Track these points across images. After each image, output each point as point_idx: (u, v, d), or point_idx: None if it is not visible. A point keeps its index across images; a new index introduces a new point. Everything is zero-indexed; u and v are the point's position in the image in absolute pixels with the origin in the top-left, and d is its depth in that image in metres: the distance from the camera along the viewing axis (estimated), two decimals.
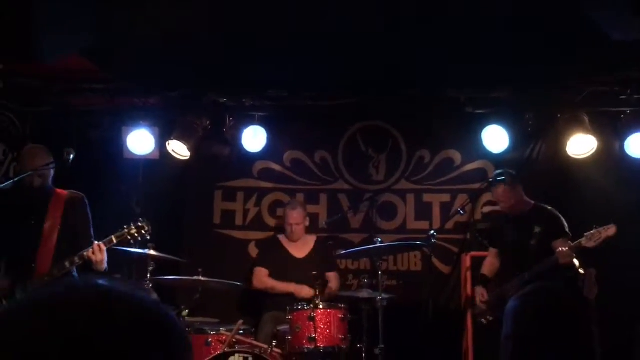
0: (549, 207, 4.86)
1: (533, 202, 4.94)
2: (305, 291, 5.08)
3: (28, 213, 3.97)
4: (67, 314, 0.74)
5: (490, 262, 5.09)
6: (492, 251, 5.13)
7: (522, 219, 4.83)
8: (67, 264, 3.79)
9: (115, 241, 3.93)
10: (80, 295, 0.78)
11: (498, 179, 4.87)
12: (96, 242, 3.83)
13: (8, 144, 5.30)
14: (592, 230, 4.38)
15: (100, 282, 0.81)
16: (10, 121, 5.33)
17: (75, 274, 3.89)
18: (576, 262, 4.44)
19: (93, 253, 3.77)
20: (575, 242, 4.42)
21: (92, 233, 4.05)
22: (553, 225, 4.73)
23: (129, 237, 3.97)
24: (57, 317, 0.74)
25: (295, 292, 5.15)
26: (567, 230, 4.67)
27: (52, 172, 4.03)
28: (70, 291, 0.79)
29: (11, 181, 3.94)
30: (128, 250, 4.30)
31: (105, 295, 0.78)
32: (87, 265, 3.83)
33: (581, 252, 4.78)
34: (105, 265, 3.85)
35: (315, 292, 4.58)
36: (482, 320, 4.84)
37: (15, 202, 3.98)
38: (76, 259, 3.80)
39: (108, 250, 3.90)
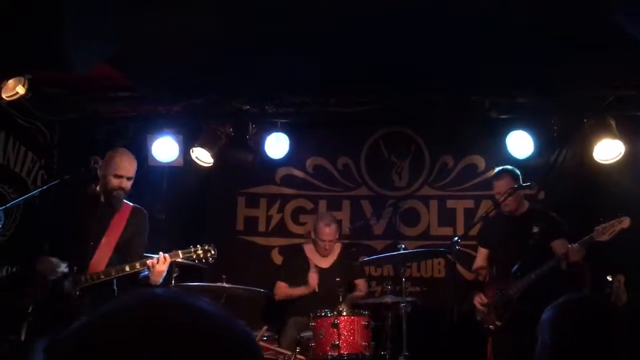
0: (546, 208, 4.93)
1: (528, 203, 4.96)
2: (312, 278, 5.10)
3: (96, 213, 3.97)
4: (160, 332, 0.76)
5: (481, 266, 5.08)
6: (482, 252, 5.09)
7: (520, 220, 4.83)
8: (127, 267, 3.78)
9: (181, 256, 3.92)
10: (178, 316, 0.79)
11: (524, 184, 4.83)
12: (162, 253, 3.80)
13: (36, 152, 5.39)
14: (602, 223, 4.29)
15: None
16: (38, 130, 5.42)
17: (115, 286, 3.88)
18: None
19: (157, 262, 3.76)
20: (586, 237, 4.35)
21: (143, 252, 4.06)
22: (552, 226, 4.74)
23: (194, 257, 3.96)
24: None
25: (307, 289, 5.15)
26: (566, 231, 4.67)
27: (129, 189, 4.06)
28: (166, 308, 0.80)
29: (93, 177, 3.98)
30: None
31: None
32: (135, 275, 3.82)
33: (607, 258, 4.72)
34: (161, 279, 3.83)
35: (339, 299, 4.56)
36: (490, 326, 4.78)
37: (87, 202, 4.02)
38: (137, 265, 3.80)
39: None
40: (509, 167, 4.97)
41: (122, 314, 0.79)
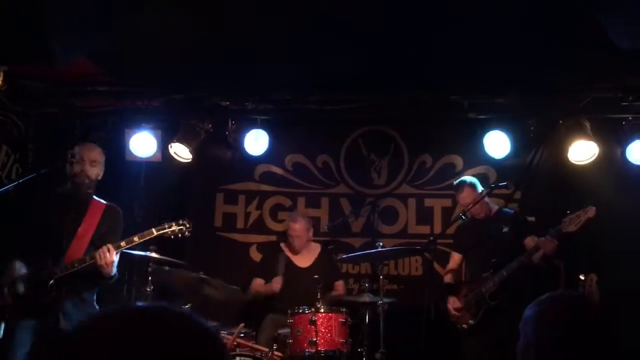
0: (512, 210, 5.15)
1: (497, 206, 5.15)
2: (275, 281, 5.12)
3: (67, 212, 3.89)
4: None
5: (453, 270, 5.18)
6: (455, 257, 5.19)
7: (489, 221, 4.97)
8: (76, 264, 3.72)
9: (155, 234, 3.87)
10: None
11: (500, 184, 4.92)
12: (105, 246, 3.73)
13: (10, 146, 5.30)
14: (569, 215, 4.40)
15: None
16: (13, 123, 5.33)
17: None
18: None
19: (101, 255, 3.68)
20: (555, 229, 4.45)
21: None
22: (519, 225, 4.91)
23: (169, 233, 3.91)
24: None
25: (269, 288, 5.18)
26: (535, 228, 4.86)
27: (100, 174, 4.00)
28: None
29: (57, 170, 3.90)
30: (129, 252, 4.29)
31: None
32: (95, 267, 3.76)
33: (580, 257, 4.82)
34: (112, 269, 3.75)
35: (317, 296, 4.57)
36: (463, 325, 4.85)
37: (58, 197, 3.95)
38: (87, 259, 3.74)
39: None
40: (466, 178, 5.14)
41: (100, 326, 0.83)
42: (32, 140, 5.45)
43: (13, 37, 3.52)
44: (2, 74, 4.53)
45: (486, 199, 4.96)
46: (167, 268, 4.58)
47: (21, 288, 3.66)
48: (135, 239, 3.80)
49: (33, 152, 5.46)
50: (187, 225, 3.94)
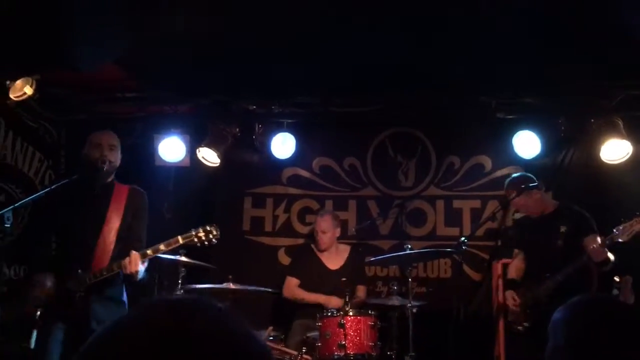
0: (575, 206, 4.79)
1: (557, 202, 4.92)
2: (334, 302, 5.06)
3: (89, 206, 3.85)
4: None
5: (517, 266, 5.04)
6: (518, 254, 5.08)
7: (548, 220, 4.79)
8: (104, 272, 3.69)
9: (181, 242, 3.76)
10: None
11: (531, 185, 4.80)
12: (133, 252, 3.67)
13: (44, 152, 5.42)
14: (621, 224, 4.25)
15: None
16: (46, 130, 5.45)
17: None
18: (611, 256, 4.32)
19: (129, 262, 3.62)
20: (607, 237, 4.30)
21: (144, 235, 3.95)
22: (579, 224, 4.66)
23: (196, 240, 3.78)
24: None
25: (324, 302, 5.12)
26: (595, 227, 4.57)
27: (118, 160, 3.92)
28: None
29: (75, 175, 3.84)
30: (159, 256, 4.33)
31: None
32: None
33: (615, 259, 4.68)
34: (140, 276, 3.69)
35: (345, 299, 4.57)
36: (519, 327, 4.73)
37: (81, 193, 3.87)
38: (114, 267, 3.69)
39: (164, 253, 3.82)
40: (514, 175, 4.98)
41: (142, 321, 0.80)
42: (64, 147, 5.56)
43: (42, 45, 3.60)
44: (34, 82, 4.64)
45: (542, 196, 4.85)
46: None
47: (50, 299, 3.64)
48: (162, 247, 3.74)
49: (65, 158, 5.58)
50: (215, 232, 3.81)
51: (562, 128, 5.39)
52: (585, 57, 4.46)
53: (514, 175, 5.01)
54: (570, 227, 4.62)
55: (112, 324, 0.81)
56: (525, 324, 4.66)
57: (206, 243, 3.82)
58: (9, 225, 3.28)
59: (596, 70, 4.70)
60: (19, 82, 4.58)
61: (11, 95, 4.60)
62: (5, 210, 3.29)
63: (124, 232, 3.87)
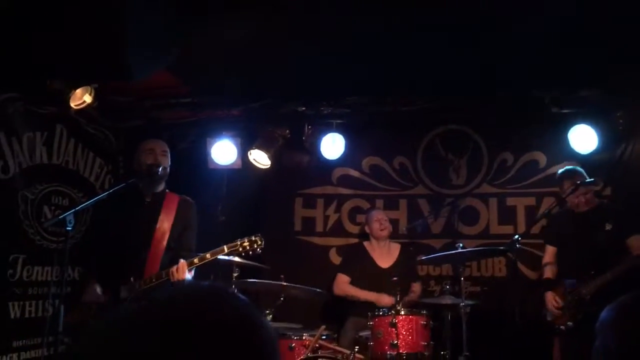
0: (616, 205, 4.75)
1: (597, 199, 4.82)
2: (385, 299, 5.06)
3: (142, 215, 3.97)
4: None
5: (551, 263, 4.92)
6: (550, 251, 4.94)
7: (590, 216, 4.67)
8: (154, 279, 3.79)
9: (226, 251, 3.82)
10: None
11: (587, 180, 4.67)
12: (181, 261, 3.76)
13: (103, 158, 5.64)
14: None
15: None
16: (105, 136, 5.67)
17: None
18: None
19: (177, 270, 3.71)
20: None
21: (194, 244, 4.04)
22: (626, 222, 4.53)
23: (241, 249, 3.83)
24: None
25: (376, 300, 5.14)
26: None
27: (168, 168, 4.03)
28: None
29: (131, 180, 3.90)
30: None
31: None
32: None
33: None
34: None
35: (396, 298, 4.56)
36: (562, 327, 4.63)
37: (130, 202, 3.98)
38: (163, 274, 3.78)
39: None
40: (567, 167, 4.88)
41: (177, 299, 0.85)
42: (122, 152, 5.76)
43: (99, 56, 3.74)
44: (93, 91, 4.83)
45: (592, 192, 4.72)
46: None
47: (101, 306, 3.75)
48: (208, 255, 3.80)
49: (123, 163, 5.77)
50: (259, 242, 3.84)
51: (620, 122, 5.20)
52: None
53: (567, 167, 4.89)
54: (617, 224, 4.53)
55: (119, 314, 0.86)
56: (569, 324, 4.53)
57: (250, 252, 3.87)
58: (70, 228, 3.41)
59: None
60: (79, 91, 4.77)
61: (72, 104, 4.80)
62: (67, 213, 3.42)
63: (173, 242, 3.97)
